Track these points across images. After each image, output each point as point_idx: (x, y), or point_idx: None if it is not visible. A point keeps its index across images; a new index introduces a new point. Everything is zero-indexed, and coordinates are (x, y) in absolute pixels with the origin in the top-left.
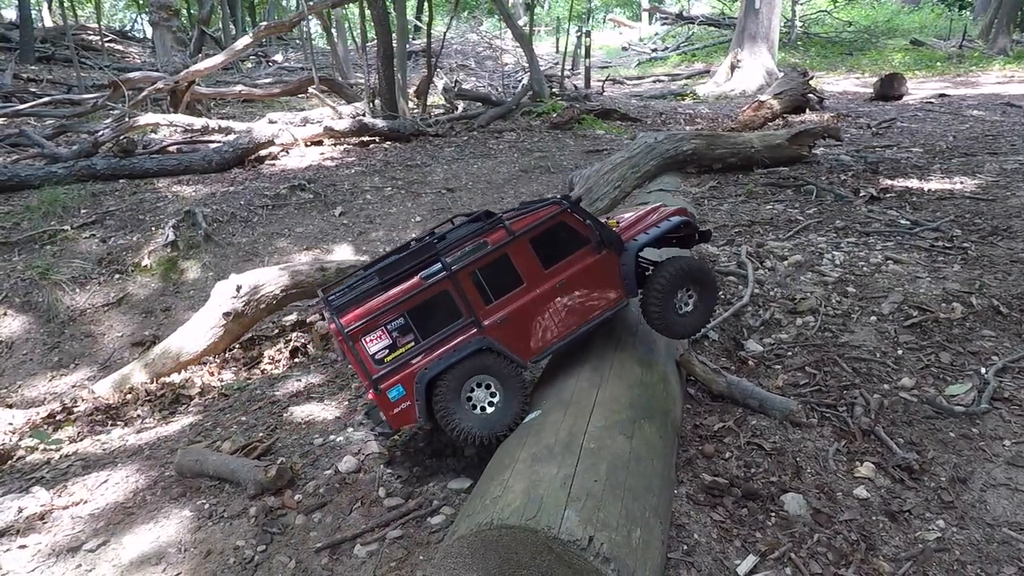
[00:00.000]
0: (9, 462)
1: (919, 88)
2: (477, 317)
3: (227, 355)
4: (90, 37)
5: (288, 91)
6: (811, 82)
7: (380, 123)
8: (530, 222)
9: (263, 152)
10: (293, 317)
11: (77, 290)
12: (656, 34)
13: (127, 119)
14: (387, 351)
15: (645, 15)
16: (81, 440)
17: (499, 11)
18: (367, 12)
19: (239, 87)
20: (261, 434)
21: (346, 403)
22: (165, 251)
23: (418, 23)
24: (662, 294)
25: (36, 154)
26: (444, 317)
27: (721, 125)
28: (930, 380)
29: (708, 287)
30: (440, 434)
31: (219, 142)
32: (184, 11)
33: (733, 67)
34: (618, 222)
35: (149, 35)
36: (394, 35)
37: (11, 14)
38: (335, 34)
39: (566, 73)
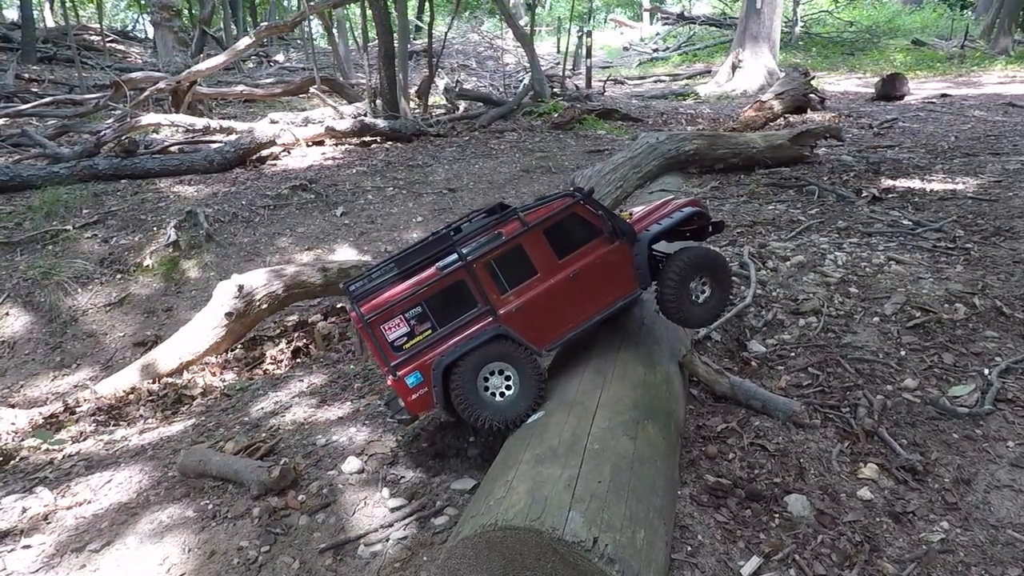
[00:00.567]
0: (12, 462)
1: (921, 88)
2: (492, 306)
3: (229, 355)
4: (92, 37)
5: (289, 91)
6: (812, 82)
7: (381, 123)
8: (543, 213)
9: (265, 152)
10: (295, 317)
11: (79, 290)
12: (657, 34)
13: (129, 119)
14: (405, 338)
15: (646, 15)
16: (84, 440)
17: (500, 11)
18: (368, 12)
19: (241, 87)
20: (264, 434)
21: (348, 404)
22: (167, 251)
23: (419, 23)
24: (676, 283)
25: (38, 154)
26: (460, 306)
27: (723, 125)
28: (933, 381)
29: (722, 275)
30: (444, 435)
31: (221, 142)
32: (185, 11)
33: (734, 67)
34: (631, 214)
35: (151, 35)
36: (395, 35)
37: (13, 14)
38: (336, 34)
39: (567, 73)
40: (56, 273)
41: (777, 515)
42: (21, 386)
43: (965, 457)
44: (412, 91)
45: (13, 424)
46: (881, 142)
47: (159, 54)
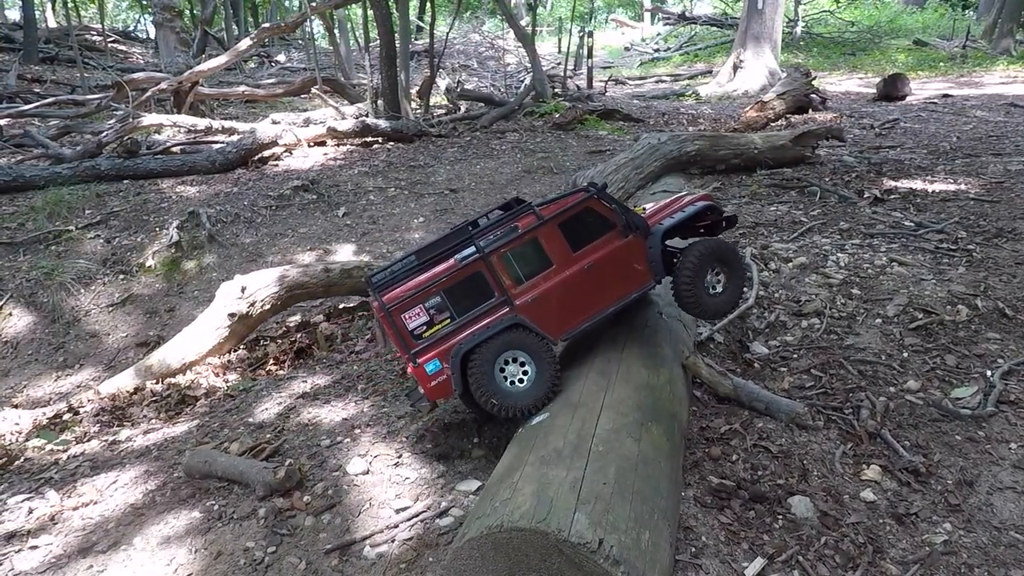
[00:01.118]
0: (17, 462)
1: (922, 88)
2: (509, 296)
3: (232, 356)
4: (93, 38)
5: (291, 92)
6: (814, 82)
7: (383, 124)
8: (558, 208)
9: (266, 152)
10: (297, 318)
11: (82, 290)
12: (658, 34)
13: (131, 120)
14: (425, 327)
15: (647, 15)
16: (88, 441)
17: (501, 11)
18: (370, 12)
19: (242, 88)
20: (268, 435)
21: (353, 404)
22: (169, 251)
23: (421, 23)
24: (691, 275)
25: (40, 155)
26: (478, 296)
27: (724, 126)
28: (936, 383)
29: (736, 266)
30: (448, 436)
31: (223, 143)
32: (187, 12)
33: (736, 67)
34: (644, 209)
35: (152, 36)
36: (396, 35)
37: (15, 15)
38: (338, 34)
39: (568, 73)
40: (59, 273)
41: (780, 517)
42: (24, 386)
43: (968, 459)
44: (413, 91)
45: (17, 424)
46: (883, 143)
47: (161, 54)
